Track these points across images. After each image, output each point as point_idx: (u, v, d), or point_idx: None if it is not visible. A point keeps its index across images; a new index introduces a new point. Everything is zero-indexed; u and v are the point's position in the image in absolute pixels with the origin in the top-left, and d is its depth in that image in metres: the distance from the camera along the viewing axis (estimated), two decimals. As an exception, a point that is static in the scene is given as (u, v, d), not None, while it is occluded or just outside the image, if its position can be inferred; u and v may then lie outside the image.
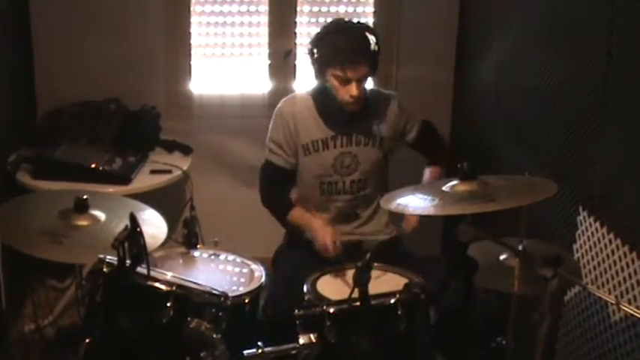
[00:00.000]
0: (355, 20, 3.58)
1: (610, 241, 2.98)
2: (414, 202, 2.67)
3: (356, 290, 2.49)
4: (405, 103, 3.64)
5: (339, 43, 3.36)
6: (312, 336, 2.61)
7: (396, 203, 2.71)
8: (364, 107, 3.51)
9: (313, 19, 4.79)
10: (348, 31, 3.42)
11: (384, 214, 3.64)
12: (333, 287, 3.02)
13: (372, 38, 3.41)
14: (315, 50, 3.43)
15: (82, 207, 2.71)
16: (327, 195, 3.56)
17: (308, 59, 3.50)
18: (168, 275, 2.82)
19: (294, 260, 3.48)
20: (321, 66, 3.41)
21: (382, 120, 3.55)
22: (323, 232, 3.41)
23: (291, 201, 3.62)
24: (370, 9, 4.84)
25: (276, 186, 3.61)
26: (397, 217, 3.57)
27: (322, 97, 3.50)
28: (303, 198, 3.63)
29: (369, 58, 3.38)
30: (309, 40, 3.50)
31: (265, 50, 4.81)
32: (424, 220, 3.51)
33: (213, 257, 3.25)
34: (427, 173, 3.74)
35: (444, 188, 2.69)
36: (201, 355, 2.63)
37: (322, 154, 3.52)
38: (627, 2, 2.92)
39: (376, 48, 3.42)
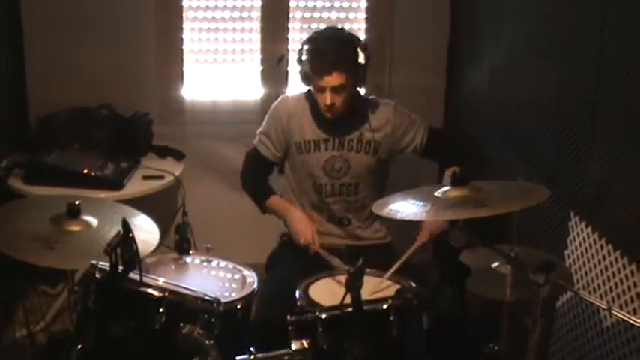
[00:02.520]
0: (346, 29, 3.59)
1: (601, 247, 2.99)
2: (406, 208, 2.68)
3: (348, 296, 2.50)
4: (403, 109, 3.65)
5: (314, 52, 3.42)
6: (304, 342, 2.60)
7: (388, 209, 2.71)
8: (359, 114, 3.53)
9: (305, 26, 4.78)
10: (326, 41, 3.45)
11: (378, 220, 3.66)
12: (325, 293, 3.02)
13: (353, 49, 3.42)
14: (298, 57, 3.47)
15: (74, 212, 2.71)
16: (318, 196, 3.59)
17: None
18: (161, 281, 2.82)
19: (287, 266, 3.49)
20: (303, 73, 3.47)
21: (377, 128, 3.56)
22: (300, 226, 3.50)
23: (271, 187, 3.72)
24: (362, 15, 4.84)
25: (258, 173, 3.72)
26: (395, 224, 3.58)
27: (315, 100, 3.52)
28: (299, 193, 3.67)
29: (343, 68, 3.39)
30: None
31: (258, 56, 4.81)
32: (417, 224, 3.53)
33: (205, 263, 3.25)
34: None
35: (435, 194, 2.70)
36: (194, 360, 2.63)
37: (313, 155, 3.56)
38: (619, 13, 2.93)
39: (358, 58, 3.43)
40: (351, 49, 3.44)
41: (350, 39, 3.51)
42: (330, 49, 3.39)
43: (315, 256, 3.42)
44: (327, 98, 3.41)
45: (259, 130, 3.69)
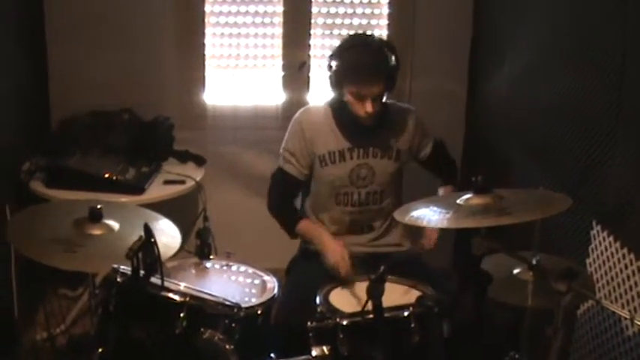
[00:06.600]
0: (375, 35, 3.56)
1: (623, 256, 2.98)
2: (428, 215, 2.67)
3: (369, 303, 2.49)
4: (422, 119, 3.64)
5: (355, 61, 3.36)
6: (324, 348, 2.60)
7: (410, 216, 2.71)
8: (382, 120, 3.51)
9: (327, 32, 4.79)
10: (364, 48, 3.39)
11: (399, 227, 3.64)
12: (346, 299, 3.01)
13: (389, 55, 3.41)
14: (332, 65, 3.43)
15: (96, 216, 2.71)
16: (342, 206, 3.56)
17: (325, 71, 3.50)
18: (182, 286, 2.82)
19: (308, 271, 3.47)
20: (338, 81, 3.41)
21: (400, 133, 3.56)
22: (333, 250, 3.38)
23: (298, 211, 3.65)
24: (384, 22, 4.84)
25: (286, 195, 3.63)
26: (413, 231, 3.57)
27: (339, 109, 3.50)
28: (317, 208, 3.63)
29: (384, 76, 3.36)
30: (323, 52, 3.52)
31: (279, 62, 4.82)
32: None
33: (225, 268, 3.26)
34: (441, 192, 3.72)
35: (458, 201, 2.69)
36: (214, 365, 2.64)
37: (339, 165, 3.52)
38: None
39: (394, 65, 3.42)
40: (387, 57, 3.40)
41: (383, 45, 3.46)
42: (369, 59, 3.35)
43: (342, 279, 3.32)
44: (368, 106, 3.36)
45: (282, 147, 3.58)
